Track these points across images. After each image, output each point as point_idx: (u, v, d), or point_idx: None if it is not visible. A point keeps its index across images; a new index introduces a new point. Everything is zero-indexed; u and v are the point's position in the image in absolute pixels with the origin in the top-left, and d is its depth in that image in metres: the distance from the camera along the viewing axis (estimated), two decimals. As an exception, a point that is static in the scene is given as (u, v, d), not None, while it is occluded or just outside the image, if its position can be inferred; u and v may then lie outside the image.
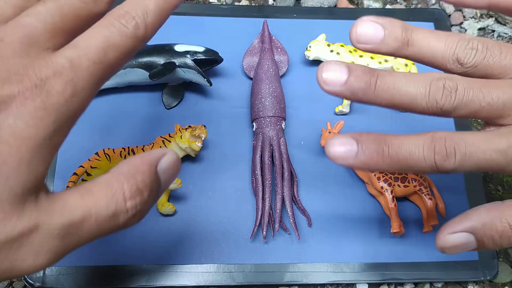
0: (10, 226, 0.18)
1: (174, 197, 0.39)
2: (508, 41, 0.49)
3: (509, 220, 0.24)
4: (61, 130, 0.20)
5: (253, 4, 0.49)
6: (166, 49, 0.41)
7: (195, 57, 0.40)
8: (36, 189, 0.19)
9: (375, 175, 0.38)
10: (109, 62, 0.22)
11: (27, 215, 0.18)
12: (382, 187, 0.37)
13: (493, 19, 0.50)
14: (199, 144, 0.37)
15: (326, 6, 0.49)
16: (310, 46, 0.44)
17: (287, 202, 0.38)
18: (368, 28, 0.25)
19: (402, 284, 0.38)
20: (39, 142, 0.19)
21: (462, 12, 0.50)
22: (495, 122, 0.25)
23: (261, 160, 0.39)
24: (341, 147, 0.23)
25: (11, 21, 0.21)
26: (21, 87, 0.19)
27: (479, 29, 0.50)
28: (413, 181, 0.38)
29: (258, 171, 0.38)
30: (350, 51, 0.43)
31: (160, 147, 0.38)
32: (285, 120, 0.41)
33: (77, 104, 0.20)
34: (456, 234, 0.25)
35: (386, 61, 0.43)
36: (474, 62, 0.25)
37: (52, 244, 0.19)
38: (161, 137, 0.39)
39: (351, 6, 0.50)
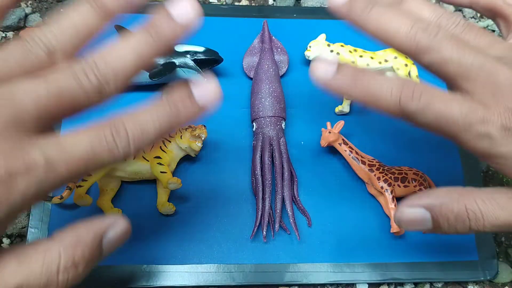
0: None
1: (174, 197, 0.39)
2: (508, 41, 0.49)
3: (467, 203, 0.25)
4: (4, 223, 0.20)
5: (253, 4, 0.49)
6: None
7: (195, 57, 0.40)
8: None
9: (375, 175, 0.38)
10: (83, 173, 0.21)
11: None
12: (382, 187, 0.37)
13: (493, 19, 0.50)
14: (199, 144, 0.37)
15: (326, 6, 0.49)
16: (310, 46, 0.44)
17: (287, 202, 0.38)
18: None
19: (402, 284, 0.38)
20: None
21: (462, 12, 0.50)
22: (460, 83, 0.25)
23: (261, 160, 0.39)
24: (323, 66, 0.25)
25: (5, 90, 0.20)
26: None
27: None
28: (413, 181, 0.38)
29: (258, 171, 0.38)
30: (350, 51, 0.43)
31: (160, 147, 0.38)
32: (285, 120, 0.41)
33: (30, 203, 0.20)
34: (413, 208, 0.26)
35: (386, 61, 0.43)
36: (453, 31, 0.26)
37: None
38: (161, 137, 0.39)
39: None
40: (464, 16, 0.50)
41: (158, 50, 0.23)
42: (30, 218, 0.37)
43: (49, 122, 0.21)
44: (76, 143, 0.20)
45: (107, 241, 0.23)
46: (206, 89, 0.23)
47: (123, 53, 0.22)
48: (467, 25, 0.26)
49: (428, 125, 0.25)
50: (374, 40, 0.27)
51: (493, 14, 0.30)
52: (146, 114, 0.22)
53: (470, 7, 0.30)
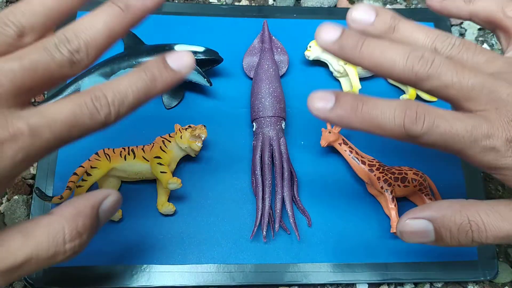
0: None
1: (174, 197, 0.39)
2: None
3: (469, 215, 0.25)
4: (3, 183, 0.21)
5: (253, 4, 0.49)
6: (166, 49, 0.41)
7: (195, 57, 0.40)
8: None
9: (375, 175, 0.38)
10: (68, 138, 0.22)
11: None
12: (382, 187, 0.37)
13: (510, 3, 0.50)
14: (199, 144, 0.37)
15: (326, 6, 0.49)
16: (310, 46, 0.44)
17: (287, 202, 0.38)
18: (363, 10, 0.27)
19: (402, 284, 0.38)
20: None
21: (462, 12, 0.50)
22: (463, 105, 0.25)
23: (261, 160, 0.39)
24: (321, 101, 0.24)
25: None
26: None
27: (479, 29, 0.50)
28: (413, 181, 0.38)
29: (258, 171, 0.38)
30: (350, 51, 0.43)
31: (160, 147, 0.38)
32: (285, 120, 0.41)
33: (21, 169, 0.21)
34: (415, 220, 0.26)
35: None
36: (450, 53, 0.26)
37: None
38: (161, 137, 0.39)
39: (351, 6, 0.50)
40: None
41: (128, 22, 0.24)
42: (30, 218, 0.37)
43: (27, 96, 0.22)
44: (57, 109, 0.21)
45: (102, 210, 0.26)
46: (178, 55, 0.25)
47: (92, 25, 0.23)
48: (463, 44, 0.26)
49: (434, 145, 0.25)
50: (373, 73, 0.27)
51: (493, 26, 0.30)
52: (123, 81, 0.23)
53: (469, 19, 0.30)
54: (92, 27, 0.23)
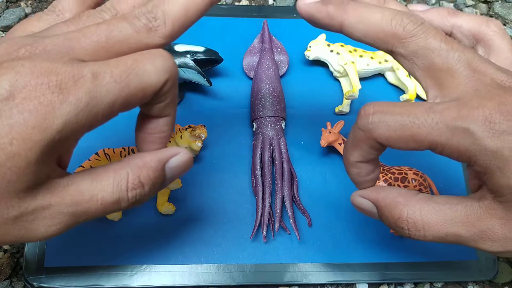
0: (25, 205, 0.21)
1: (174, 197, 0.39)
2: (508, 41, 0.49)
3: (409, 212, 0.25)
4: (67, 139, 0.21)
5: (253, 4, 0.49)
6: (166, 49, 0.40)
7: (195, 57, 0.40)
8: (48, 178, 0.21)
9: (375, 175, 0.38)
10: (129, 87, 0.22)
11: (40, 197, 0.21)
12: (382, 187, 0.37)
13: (493, 19, 0.50)
14: (199, 144, 0.37)
15: (326, 6, 0.49)
16: (310, 46, 0.44)
17: (287, 202, 0.38)
18: None
19: (402, 284, 0.38)
20: (42, 149, 0.20)
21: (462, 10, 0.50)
22: (442, 77, 0.24)
23: (261, 160, 0.39)
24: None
25: (62, 33, 0.22)
26: (38, 81, 0.19)
27: (479, 29, 0.50)
28: (413, 181, 0.38)
29: (258, 171, 0.38)
30: (350, 51, 0.43)
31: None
32: (285, 120, 0.41)
33: (87, 117, 0.21)
34: (363, 199, 0.27)
35: (386, 61, 0.43)
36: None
37: (62, 219, 0.22)
38: (161, 137, 0.39)
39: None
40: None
41: None
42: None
43: (102, 57, 0.22)
44: (120, 59, 0.22)
45: (169, 167, 0.25)
46: None
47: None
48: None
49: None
50: (350, 36, 0.26)
51: (476, 39, 0.28)
52: None
53: (451, 32, 0.29)
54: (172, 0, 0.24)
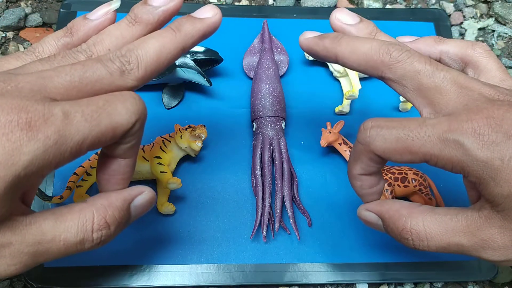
0: None
1: (174, 197, 0.39)
2: (508, 41, 0.49)
3: (412, 224, 0.26)
4: (33, 175, 0.20)
5: (253, 4, 0.49)
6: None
7: (195, 57, 0.40)
8: (10, 215, 0.21)
9: (375, 175, 0.38)
10: (99, 126, 0.22)
11: (1, 235, 0.21)
12: (382, 187, 0.37)
13: (493, 19, 0.50)
14: (199, 144, 0.37)
15: (326, 6, 0.49)
16: (310, 46, 0.44)
17: (287, 202, 0.38)
18: (348, 13, 0.29)
19: (402, 284, 0.38)
20: (6, 185, 0.19)
21: (462, 12, 0.50)
22: (432, 97, 0.25)
23: (261, 160, 0.39)
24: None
25: (36, 71, 0.22)
26: (8, 118, 0.19)
27: (479, 29, 0.50)
28: (413, 181, 0.38)
29: (258, 171, 0.38)
30: (350, 51, 0.43)
31: (160, 147, 0.38)
32: (285, 120, 0.41)
33: (55, 155, 0.20)
34: (368, 212, 0.29)
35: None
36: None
37: (21, 259, 0.22)
38: (161, 137, 0.39)
39: (351, 6, 0.50)
40: (464, 17, 0.50)
41: (180, 43, 0.26)
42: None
43: (73, 97, 0.22)
44: (92, 98, 0.22)
45: (135, 206, 0.26)
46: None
47: (145, 43, 0.25)
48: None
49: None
50: (345, 65, 0.28)
51: (464, 63, 0.29)
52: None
53: (440, 58, 0.30)
54: (145, 45, 0.24)
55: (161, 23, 0.27)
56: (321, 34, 0.29)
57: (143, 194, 0.26)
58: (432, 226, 0.25)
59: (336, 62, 0.28)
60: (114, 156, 0.25)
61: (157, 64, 0.25)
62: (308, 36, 0.29)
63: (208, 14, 0.28)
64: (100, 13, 0.27)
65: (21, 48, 0.45)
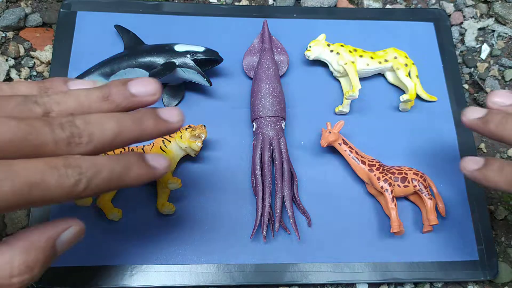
0: None
1: (174, 197, 0.39)
2: (508, 41, 0.49)
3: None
4: None
5: (253, 4, 0.49)
6: (166, 49, 0.40)
7: (195, 57, 0.40)
8: None
9: (375, 175, 0.38)
10: (29, 199, 0.21)
11: None
12: (382, 187, 0.37)
13: (493, 19, 0.50)
14: (199, 144, 0.37)
15: (326, 6, 0.49)
16: (310, 46, 0.44)
17: (287, 202, 0.38)
18: (504, 94, 0.32)
19: (402, 284, 0.38)
20: None
21: (462, 12, 0.50)
22: None
23: (261, 160, 0.39)
24: (472, 162, 0.32)
25: None
26: None
27: (479, 29, 0.50)
28: (413, 181, 0.38)
29: (258, 171, 0.38)
30: (350, 51, 0.43)
31: (160, 147, 0.38)
32: (285, 120, 0.41)
33: None
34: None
35: (386, 61, 0.43)
36: None
37: None
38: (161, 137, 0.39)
39: (351, 6, 0.50)
40: (464, 17, 0.50)
41: (138, 134, 0.25)
42: (30, 218, 0.37)
43: (11, 155, 0.21)
44: (26, 166, 0.21)
45: (61, 241, 0.24)
46: (156, 156, 0.27)
47: (104, 123, 0.23)
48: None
49: None
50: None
51: None
52: (100, 159, 0.24)
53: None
54: (104, 125, 0.23)
55: (131, 109, 0.26)
56: (485, 115, 0.31)
57: (70, 229, 0.24)
58: None
59: (502, 142, 0.30)
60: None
61: (109, 146, 0.24)
62: (471, 118, 0.31)
63: (173, 119, 0.26)
64: (82, 87, 0.26)
65: (21, 48, 0.45)
